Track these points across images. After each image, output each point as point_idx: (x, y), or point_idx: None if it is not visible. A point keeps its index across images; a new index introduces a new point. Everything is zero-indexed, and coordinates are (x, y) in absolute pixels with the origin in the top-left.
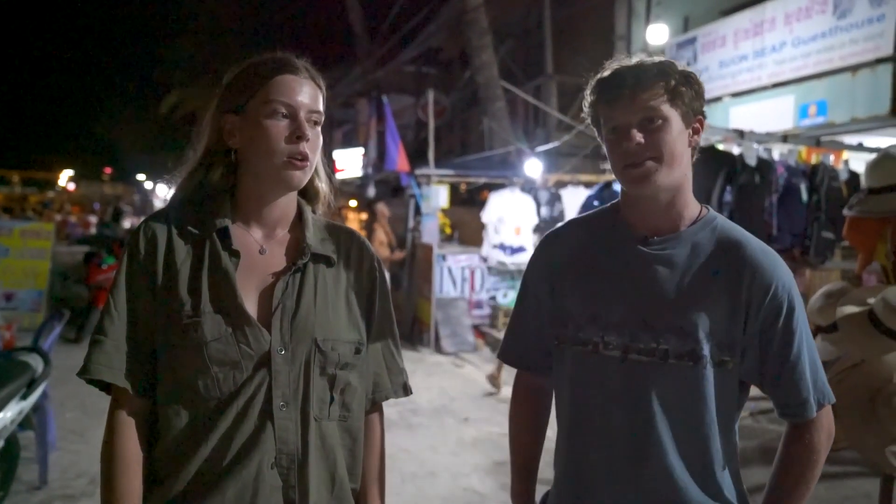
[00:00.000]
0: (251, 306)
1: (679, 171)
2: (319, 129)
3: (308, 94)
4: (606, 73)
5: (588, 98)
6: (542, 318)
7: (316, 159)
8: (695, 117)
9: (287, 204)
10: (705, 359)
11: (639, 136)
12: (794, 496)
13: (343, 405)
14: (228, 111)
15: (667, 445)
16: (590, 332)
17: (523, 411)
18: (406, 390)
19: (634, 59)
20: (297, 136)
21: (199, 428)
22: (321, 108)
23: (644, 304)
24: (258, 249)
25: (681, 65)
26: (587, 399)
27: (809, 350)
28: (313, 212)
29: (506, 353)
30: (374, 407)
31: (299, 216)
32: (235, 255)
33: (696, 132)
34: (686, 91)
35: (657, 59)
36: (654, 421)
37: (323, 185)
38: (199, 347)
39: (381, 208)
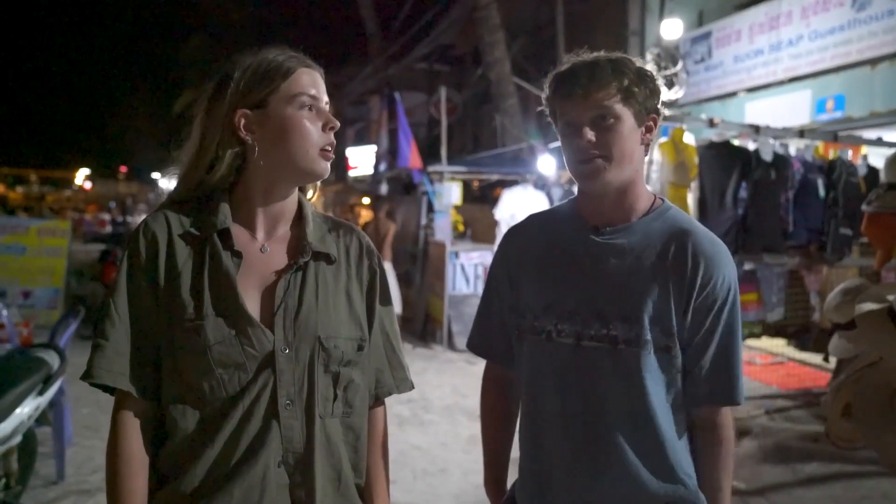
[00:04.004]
0: (253, 306)
1: (630, 169)
2: None
3: (323, 88)
4: (563, 68)
5: (545, 92)
6: (503, 310)
7: None
8: (648, 116)
9: (291, 200)
10: (649, 344)
11: (590, 134)
12: (721, 478)
13: (346, 402)
14: (243, 106)
15: (618, 428)
16: (545, 321)
17: (491, 402)
18: (408, 385)
19: (592, 56)
20: (329, 126)
21: (206, 429)
22: None
23: (594, 292)
24: (259, 248)
25: (637, 62)
26: (543, 386)
27: (739, 346)
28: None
29: (472, 344)
30: (377, 402)
31: (299, 213)
32: (237, 255)
33: (650, 130)
34: (640, 90)
35: (614, 55)
36: (606, 405)
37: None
38: (202, 350)
39: (385, 205)
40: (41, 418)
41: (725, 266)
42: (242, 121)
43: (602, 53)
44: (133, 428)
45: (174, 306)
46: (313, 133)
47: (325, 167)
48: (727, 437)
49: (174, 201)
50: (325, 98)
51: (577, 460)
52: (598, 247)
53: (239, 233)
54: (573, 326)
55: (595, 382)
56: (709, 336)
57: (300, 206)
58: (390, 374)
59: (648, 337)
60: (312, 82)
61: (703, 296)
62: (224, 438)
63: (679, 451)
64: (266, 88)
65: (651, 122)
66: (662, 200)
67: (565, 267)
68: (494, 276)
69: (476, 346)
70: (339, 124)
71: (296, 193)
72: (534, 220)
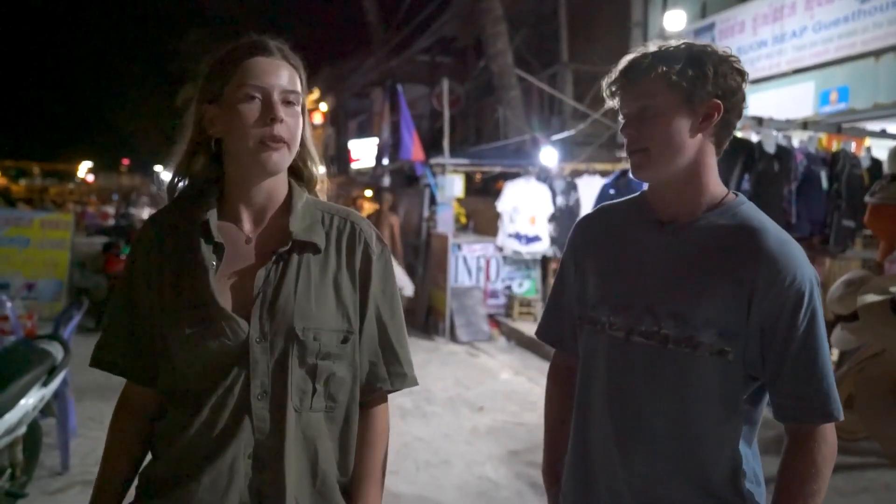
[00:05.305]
0: (233, 297)
1: (682, 160)
2: (299, 109)
3: (282, 75)
4: (625, 59)
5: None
6: (571, 299)
7: (297, 141)
8: (704, 103)
9: (273, 189)
10: (703, 346)
11: (631, 127)
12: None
13: (328, 396)
14: (207, 101)
15: (657, 429)
16: (600, 311)
17: (554, 389)
18: (405, 381)
19: (656, 45)
20: (270, 118)
21: (184, 416)
22: (298, 88)
23: (648, 287)
24: (244, 239)
25: (698, 46)
26: (593, 377)
27: (821, 355)
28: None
29: (541, 331)
30: (375, 398)
31: (289, 202)
32: (219, 247)
33: (709, 117)
34: (693, 76)
35: (670, 43)
36: (647, 404)
37: (316, 170)
38: (182, 340)
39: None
40: (46, 409)
41: (795, 266)
42: (207, 115)
43: (667, 42)
44: (125, 412)
45: (162, 297)
46: (249, 125)
47: (269, 159)
48: (816, 460)
49: (176, 197)
50: (282, 84)
51: (615, 454)
52: (656, 241)
53: (224, 225)
54: (625, 320)
55: (640, 379)
56: (783, 344)
57: (291, 195)
58: (383, 368)
59: (702, 339)
60: (263, 71)
61: (767, 298)
62: (197, 426)
63: (720, 462)
64: (222, 81)
65: (711, 109)
66: (736, 195)
67: (623, 259)
68: (563, 266)
69: (544, 333)
70: (281, 116)
71: (283, 182)
72: (604, 210)
